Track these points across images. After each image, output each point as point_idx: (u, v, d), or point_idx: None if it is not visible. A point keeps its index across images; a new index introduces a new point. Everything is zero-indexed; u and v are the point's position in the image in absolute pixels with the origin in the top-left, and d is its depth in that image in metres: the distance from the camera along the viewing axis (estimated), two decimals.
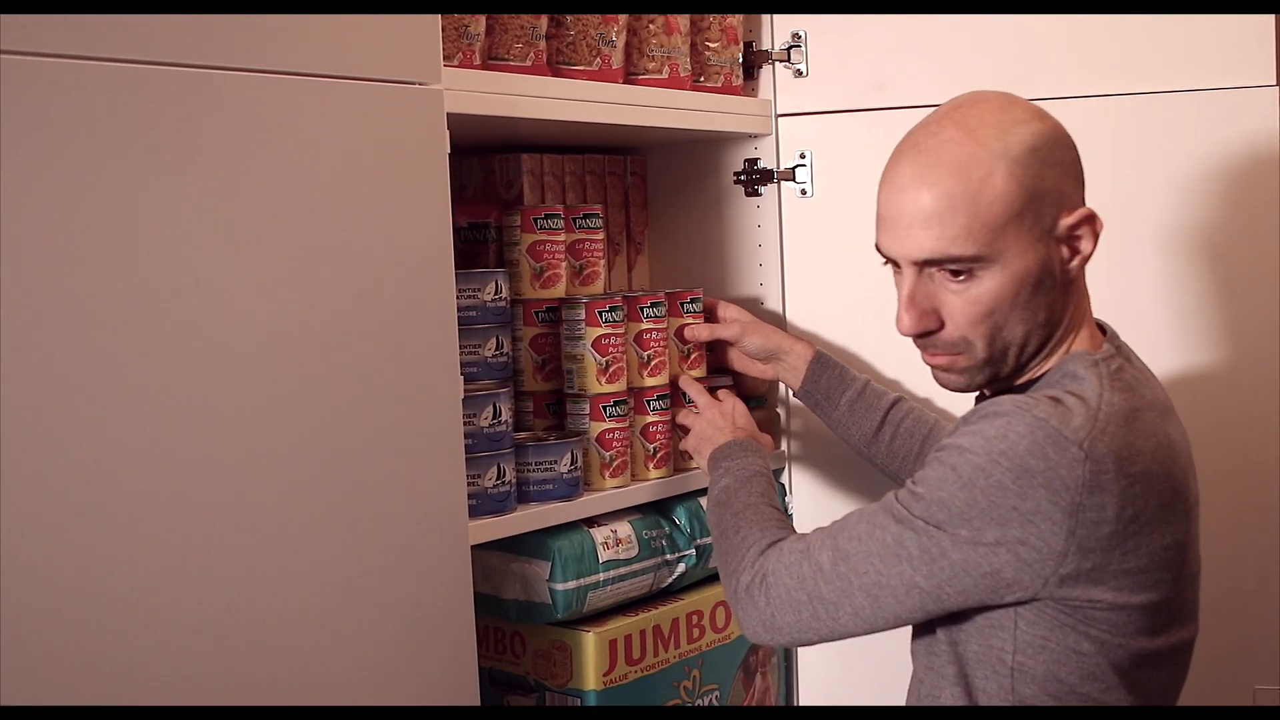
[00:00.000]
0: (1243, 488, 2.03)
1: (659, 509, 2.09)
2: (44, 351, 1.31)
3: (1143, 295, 2.04)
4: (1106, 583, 1.44)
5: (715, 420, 1.96)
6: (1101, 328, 1.62)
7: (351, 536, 1.57)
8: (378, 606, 1.60)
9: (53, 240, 1.32)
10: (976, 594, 1.47)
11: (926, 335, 1.56)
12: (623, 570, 1.97)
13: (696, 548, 2.07)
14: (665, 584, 2.06)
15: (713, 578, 2.15)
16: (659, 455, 2.07)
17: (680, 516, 2.09)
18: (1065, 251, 1.51)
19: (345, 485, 1.56)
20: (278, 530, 1.50)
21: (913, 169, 1.51)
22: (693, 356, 2.13)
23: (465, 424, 1.72)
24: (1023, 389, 1.56)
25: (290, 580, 1.51)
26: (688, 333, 2.11)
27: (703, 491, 2.13)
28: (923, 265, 1.52)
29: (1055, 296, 1.52)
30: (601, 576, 1.93)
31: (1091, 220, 1.51)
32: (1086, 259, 1.53)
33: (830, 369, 2.04)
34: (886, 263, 1.59)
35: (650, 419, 2.06)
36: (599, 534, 1.95)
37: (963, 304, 1.51)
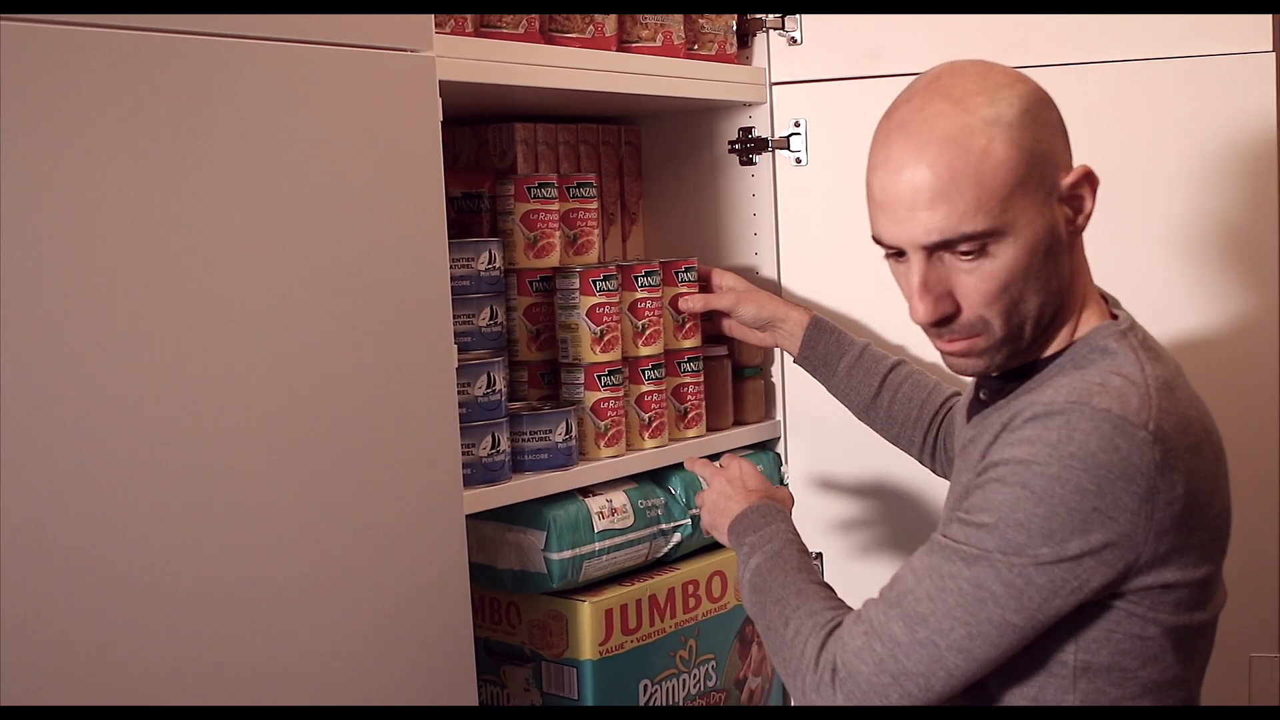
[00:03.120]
0: (1240, 454, 2.02)
1: (654, 478, 2.09)
2: (37, 292, 1.31)
3: (1139, 263, 2.03)
4: (1175, 562, 1.39)
5: (724, 489, 1.80)
6: (1102, 294, 1.57)
7: (346, 507, 1.57)
8: (373, 577, 1.60)
9: (48, 202, 1.31)
10: (1070, 608, 1.38)
11: (943, 322, 1.47)
12: (618, 540, 1.96)
13: (692, 517, 2.07)
14: (661, 554, 2.06)
15: (709, 548, 2.15)
16: (654, 425, 2.06)
17: (676, 486, 2.09)
18: (1069, 211, 1.45)
19: (339, 455, 1.56)
20: (272, 501, 1.50)
21: (906, 148, 1.42)
22: (687, 326, 2.12)
23: (459, 393, 1.71)
24: (1043, 364, 1.49)
25: (285, 552, 1.51)
26: (682, 303, 2.09)
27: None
28: (932, 249, 1.43)
29: (1064, 261, 1.45)
30: (597, 546, 1.93)
31: (1089, 176, 1.45)
32: (1088, 217, 1.47)
33: (828, 334, 2.02)
34: (888, 254, 1.50)
35: (645, 388, 2.05)
36: (594, 503, 1.95)
37: (977, 282, 1.42)
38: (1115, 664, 1.42)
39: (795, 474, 2.27)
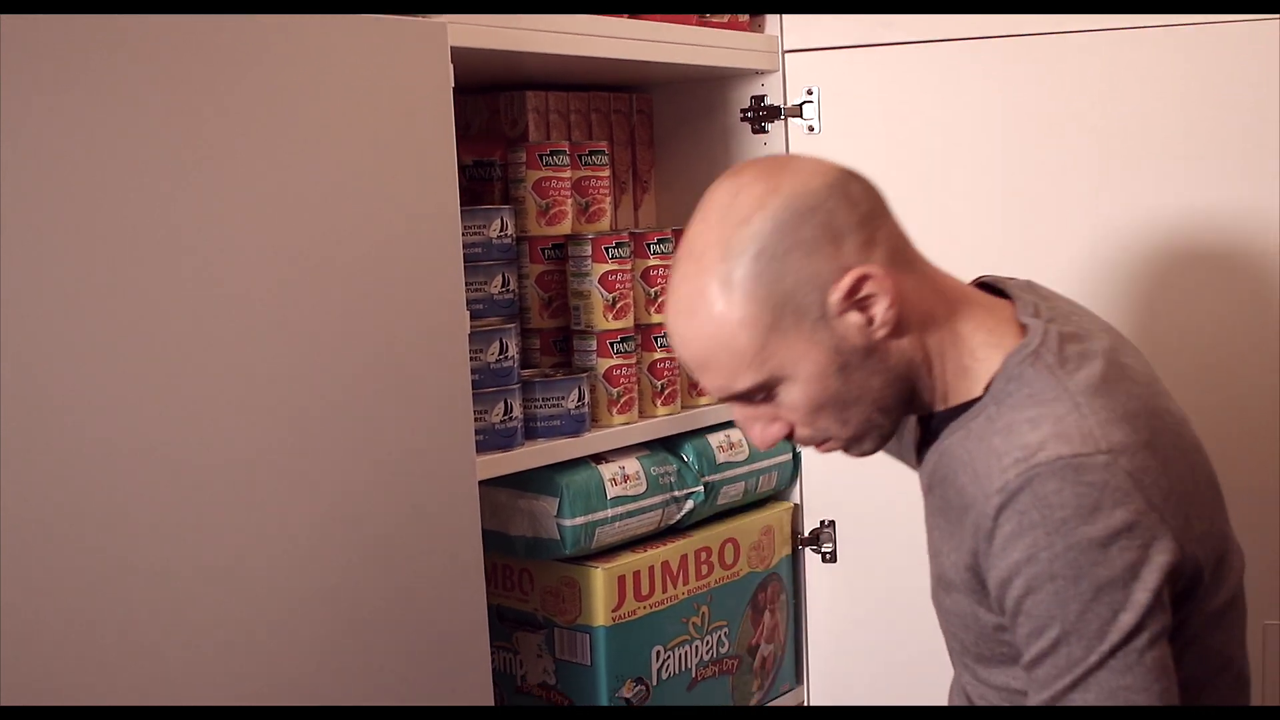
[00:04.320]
0: (1245, 422, 2.02)
1: (667, 446, 2.09)
2: (51, 266, 1.31)
3: (1139, 232, 2.03)
4: (1192, 547, 1.32)
5: None
6: (1003, 291, 1.47)
7: (358, 473, 1.57)
8: (386, 543, 1.60)
9: (59, 172, 1.31)
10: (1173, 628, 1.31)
11: (790, 439, 1.42)
12: (631, 506, 1.97)
13: (705, 484, 2.07)
14: (674, 521, 2.06)
15: (721, 515, 2.16)
16: (666, 392, 2.06)
17: (689, 454, 2.09)
18: (857, 318, 1.33)
19: (352, 422, 1.56)
20: (284, 468, 1.50)
21: (668, 315, 1.39)
22: None
23: (472, 360, 1.71)
24: (965, 408, 1.39)
25: (296, 518, 1.51)
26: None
27: (711, 428, 2.14)
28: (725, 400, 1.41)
29: (876, 361, 1.36)
30: (609, 513, 1.93)
31: (865, 280, 1.32)
32: (893, 308, 1.34)
33: None
34: None
35: (658, 356, 2.05)
36: (607, 470, 1.95)
37: (788, 413, 1.38)
38: (1191, 677, 1.35)
39: None
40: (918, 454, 1.51)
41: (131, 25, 1.35)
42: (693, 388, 2.12)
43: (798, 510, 2.28)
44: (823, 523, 2.26)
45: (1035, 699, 1.32)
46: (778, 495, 2.29)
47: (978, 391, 1.38)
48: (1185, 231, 2.04)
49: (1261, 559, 2.02)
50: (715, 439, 2.13)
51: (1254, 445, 2.03)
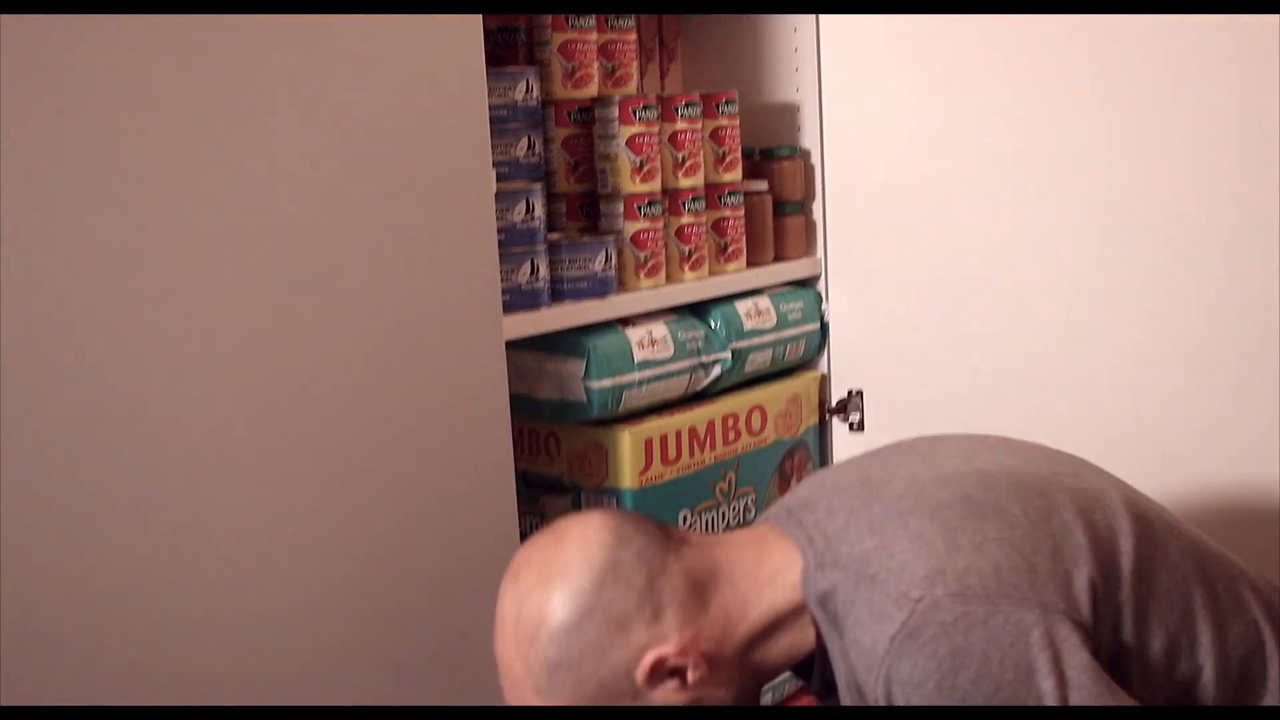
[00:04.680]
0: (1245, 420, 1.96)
1: (695, 311, 2.08)
2: (71, 236, 1.31)
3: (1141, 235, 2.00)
4: (1076, 577, 1.30)
5: None
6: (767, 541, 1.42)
7: (386, 331, 1.57)
8: (412, 406, 1.60)
9: (67, 144, 1.31)
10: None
11: None
12: (658, 370, 1.96)
13: (732, 351, 2.07)
14: (701, 386, 2.06)
15: (749, 381, 2.15)
16: (694, 258, 2.05)
17: (716, 320, 2.08)
18: (672, 682, 1.34)
19: (378, 279, 1.56)
20: (313, 325, 1.50)
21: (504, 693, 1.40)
22: (728, 159, 2.11)
23: (498, 219, 1.70)
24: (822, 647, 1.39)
25: (324, 377, 1.52)
26: None
27: (739, 295, 2.13)
28: None
29: (712, 687, 1.36)
30: (637, 376, 1.93)
31: (658, 662, 1.33)
32: (700, 669, 1.34)
33: None
34: None
35: (685, 220, 2.04)
36: (634, 334, 1.95)
37: None
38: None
39: (835, 311, 2.26)
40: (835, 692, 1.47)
41: None
42: (719, 254, 2.11)
43: (825, 379, 2.28)
44: (850, 392, 2.26)
45: None
46: (805, 364, 2.28)
47: (811, 632, 1.37)
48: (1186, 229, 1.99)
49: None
50: (743, 305, 2.12)
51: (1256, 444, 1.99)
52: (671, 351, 1.98)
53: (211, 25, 1.39)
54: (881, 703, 1.28)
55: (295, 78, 1.47)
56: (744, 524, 2.10)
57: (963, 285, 2.11)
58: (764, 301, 2.15)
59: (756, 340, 2.12)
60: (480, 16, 1.64)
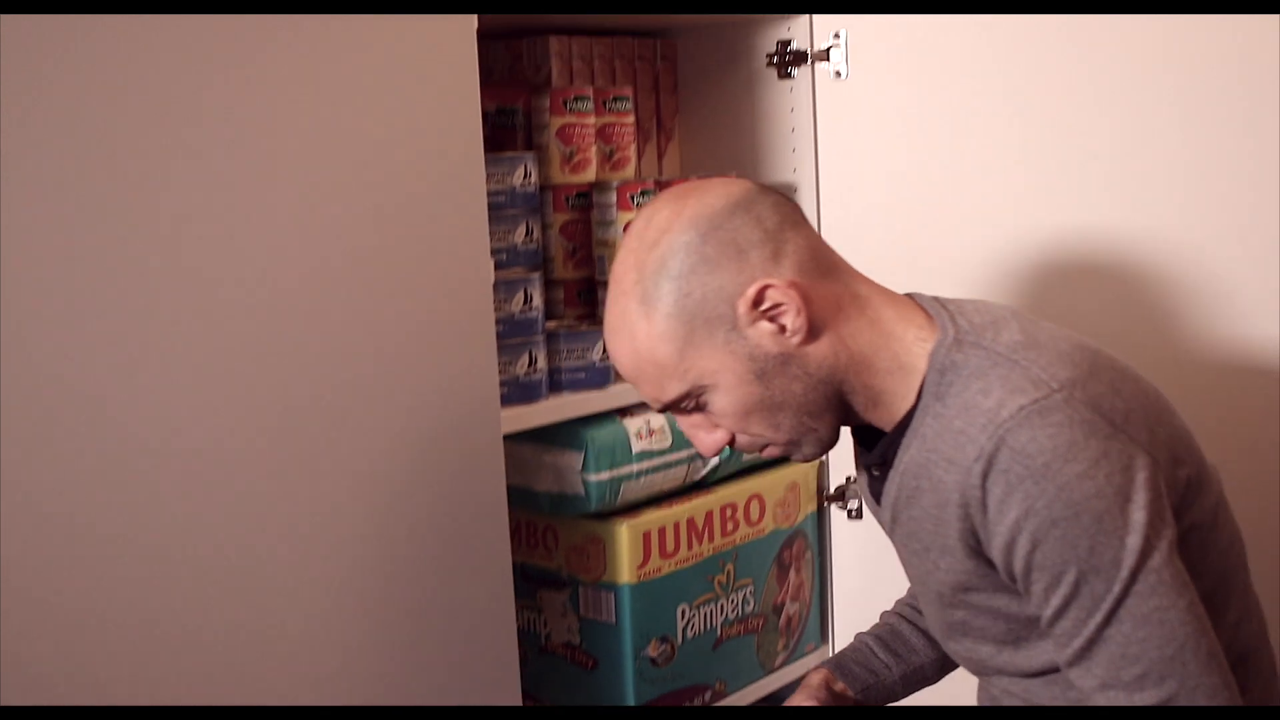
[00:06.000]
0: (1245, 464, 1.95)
1: None
2: (62, 250, 1.28)
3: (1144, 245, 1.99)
4: (1164, 455, 1.36)
5: None
6: (921, 303, 1.49)
7: (383, 425, 1.54)
8: (409, 499, 1.57)
9: (62, 155, 1.28)
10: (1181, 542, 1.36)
11: (733, 446, 1.48)
12: (656, 461, 1.93)
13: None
14: (699, 476, 2.02)
15: (746, 470, 2.12)
16: None
17: None
18: (769, 326, 1.39)
19: (376, 372, 1.53)
20: (306, 418, 1.47)
21: (605, 334, 1.48)
22: None
23: (496, 310, 1.67)
24: (906, 423, 1.43)
25: (320, 470, 1.49)
26: None
27: None
28: (663, 410, 1.48)
29: (795, 368, 1.40)
30: (635, 468, 1.89)
31: (765, 290, 1.38)
32: (802, 315, 1.39)
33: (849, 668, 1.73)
34: None
35: None
36: (632, 424, 1.91)
37: (719, 419, 1.44)
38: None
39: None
40: (876, 499, 1.53)
41: None
42: None
43: (823, 466, 2.24)
44: (848, 479, 2.22)
45: (1067, 651, 1.35)
46: None
47: (911, 398, 1.42)
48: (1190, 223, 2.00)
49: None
50: None
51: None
52: (670, 441, 1.94)
53: (191, 123, 1.37)
54: (972, 469, 1.32)
55: (293, 163, 1.45)
56: (743, 618, 2.07)
57: None
58: None
59: None
60: (479, 103, 1.61)
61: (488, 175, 1.68)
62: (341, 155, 1.49)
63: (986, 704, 1.56)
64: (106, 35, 1.30)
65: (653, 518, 1.93)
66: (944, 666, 1.73)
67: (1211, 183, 1.96)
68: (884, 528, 1.55)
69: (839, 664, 1.70)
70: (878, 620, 1.79)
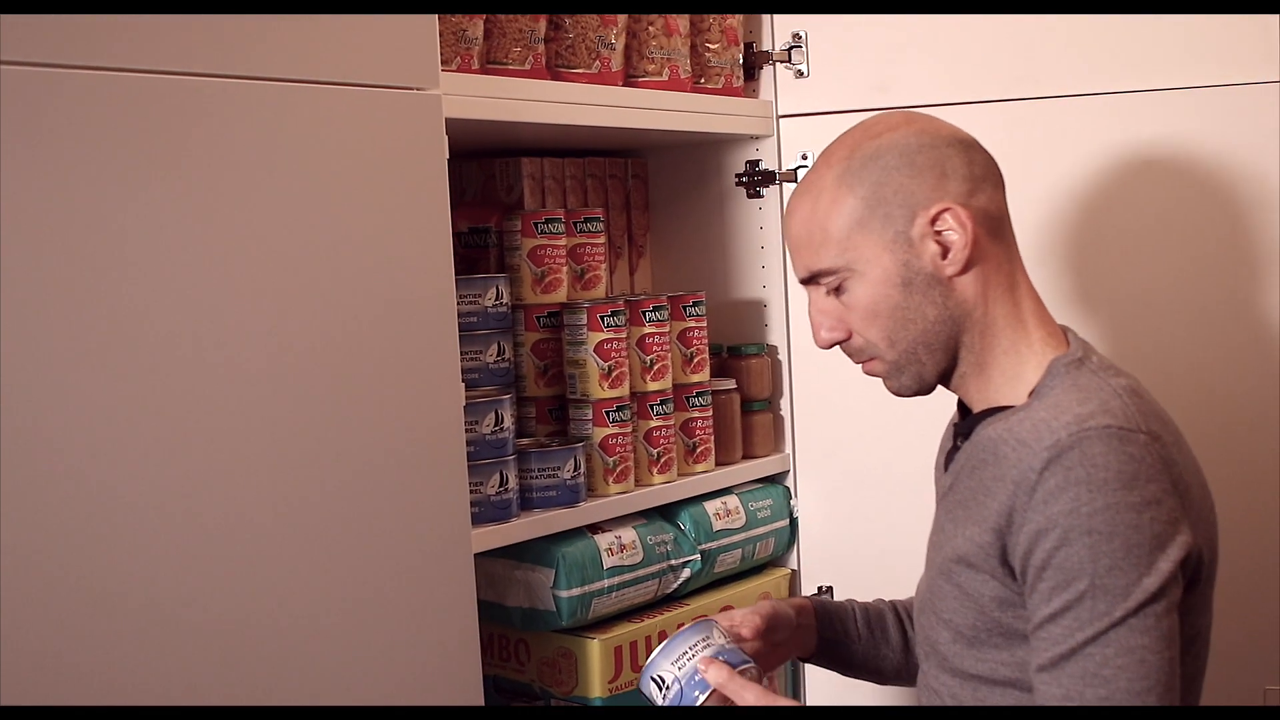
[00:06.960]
0: (1246, 484, 2.01)
1: (663, 514, 2.08)
2: (42, 357, 1.31)
3: (1140, 291, 2.03)
4: (1198, 539, 1.42)
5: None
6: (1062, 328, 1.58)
7: (354, 545, 1.56)
8: (381, 615, 1.59)
9: (50, 248, 1.31)
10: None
11: (846, 347, 1.57)
12: (627, 576, 1.95)
13: (701, 553, 2.06)
14: (670, 590, 2.05)
15: (718, 582, 2.14)
16: (663, 460, 2.05)
17: (685, 521, 2.08)
18: (934, 247, 1.49)
19: (347, 494, 1.55)
20: (279, 539, 1.49)
21: (792, 195, 1.58)
22: (696, 360, 2.12)
23: (467, 431, 1.71)
24: (1005, 409, 1.50)
25: (291, 588, 1.50)
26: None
27: (708, 495, 2.13)
28: (805, 283, 1.58)
29: (936, 294, 1.50)
30: (606, 583, 1.92)
31: (950, 213, 1.48)
32: (967, 250, 1.48)
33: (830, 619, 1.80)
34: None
35: (654, 424, 2.04)
36: (603, 540, 1.94)
37: (848, 312, 1.53)
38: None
39: (805, 507, 2.26)
40: (947, 462, 1.60)
41: (115, 91, 1.35)
42: (688, 455, 2.11)
43: (795, 576, 2.27)
44: (820, 589, 2.25)
45: (1045, 655, 1.39)
46: (775, 561, 2.27)
47: (1021, 393, 1.50)
48: (1187, 296, 2.04)
49: (1262, 624, 2.01)
50: (712, 506, 2.12)
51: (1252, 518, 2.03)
52: (641, 556, 1.97)
53: (167, 230, 1.40)
54: (1040, 454, 1.38)
55: (264, 280, 1.48)
56: None
57: (931, 479, 2.11)
58: (733, 501, 2.15)
59: (726, 540, 2.12)
60: (450, 225, 1.65)
61: (461, 296, 1.72)
62: (311, 275, 1.52)
63: (923, 693, 1.60)
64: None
65: (624, 632, 1.95)
66: (900, 673, 1.79)
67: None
68: (938, 494, 1.62)
69: (822, 606, 1.78)
70: (873, 599, 1.85)
